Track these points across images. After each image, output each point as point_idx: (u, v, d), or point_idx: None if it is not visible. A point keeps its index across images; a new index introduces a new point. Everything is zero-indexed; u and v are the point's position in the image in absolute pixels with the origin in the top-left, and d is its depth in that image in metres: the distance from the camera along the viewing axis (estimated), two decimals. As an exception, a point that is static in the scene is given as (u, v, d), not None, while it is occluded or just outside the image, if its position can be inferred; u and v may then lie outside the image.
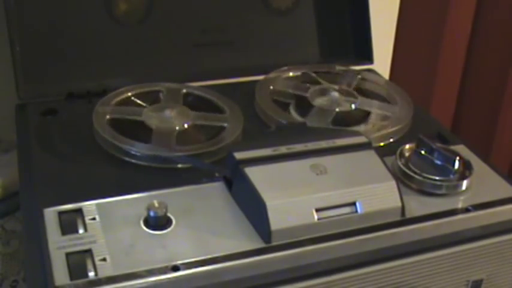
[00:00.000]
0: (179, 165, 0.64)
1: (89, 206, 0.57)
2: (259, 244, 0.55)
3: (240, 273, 0.53)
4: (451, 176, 0.63)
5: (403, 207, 0.59)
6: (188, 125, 0.69)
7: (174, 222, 0.56)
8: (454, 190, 0.63)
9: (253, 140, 0.67)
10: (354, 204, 0.58)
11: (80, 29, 0.80)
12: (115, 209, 0.57)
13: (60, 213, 0.56)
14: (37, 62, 0.78)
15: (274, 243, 0.55)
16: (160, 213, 0.55)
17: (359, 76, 0.84)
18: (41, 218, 0.55)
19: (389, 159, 0.64)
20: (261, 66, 0.84)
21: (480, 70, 1.20)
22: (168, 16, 0.84)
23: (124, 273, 0.50)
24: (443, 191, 0.62)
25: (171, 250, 0.53)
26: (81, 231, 0.55)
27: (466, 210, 0.61)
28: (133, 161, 0.64)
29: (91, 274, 0.50)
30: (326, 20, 0.93)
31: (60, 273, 0.50)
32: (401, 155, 0.66)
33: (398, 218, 0.59)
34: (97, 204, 0.57)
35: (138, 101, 0.74)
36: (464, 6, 1.13)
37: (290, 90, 0.80)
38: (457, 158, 0.63)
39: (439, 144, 0.66)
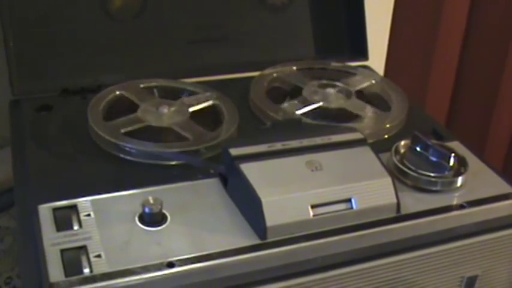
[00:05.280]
0: (174, 162, 0.64)
1: (84, 202, 0.57)
2: (255, 240, 0.55)
3: (236, 270, 0.53)
4: (446, 173, 0.63)
5: (398, 204, 0.59)
6: (188, 117, 0.70)
7: (169, 218, 0.56)
8: (449, 186, 0.63)
9: (248, 136, 0.67)
10: (349, 200, 0.58)
11: (75, 25, 0.80)
12: (110, 205, 0.57)
13: (55, 210, 0.56)
14: (31, 58, 0.78)
15: (269, 240, 0.55)
16: (156, 209, 0.55)
17: (354, 72, 0.84)
18: (35, 214, 0.55)
19: (384, 156, 0.64)
20: (256, 63, 0.83)
21: (475, 67, 1.20)
22: (163, 12, 0.84)
23: (119, 270, 0.50)
24: (438, 188, 0.62)
25: (166, 246, 0.53)
26: (76, 227, 0.54)
27: (461, 206, 0.61)
28: (128, 157, 0.64)
29: (86, 270, 0.50)
30: (321, 17, 0.92)
31: (54, 269, 0.50)
32: (397, 151, 0.66)
33: (393, 214, 0.59)
34: (92, 201, 0.57)
35: (132, 98, 0.73)
36: (459, 2, 1.13)
37: (285, 87, 0.80)
38: (452, 154, 0.64)
39: (434, 141, 0.66)
